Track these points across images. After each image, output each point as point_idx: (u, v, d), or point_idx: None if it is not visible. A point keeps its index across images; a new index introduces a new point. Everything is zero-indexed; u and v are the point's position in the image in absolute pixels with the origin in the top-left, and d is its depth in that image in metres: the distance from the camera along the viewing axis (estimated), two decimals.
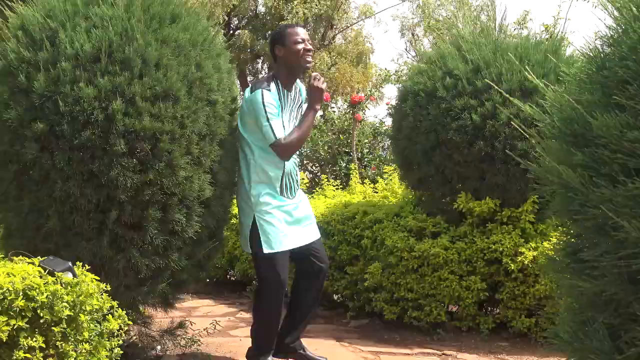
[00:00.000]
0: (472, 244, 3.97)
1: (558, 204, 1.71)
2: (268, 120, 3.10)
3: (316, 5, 15.25)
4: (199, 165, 2.95)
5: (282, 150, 3.14)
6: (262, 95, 3.11)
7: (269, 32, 16.49)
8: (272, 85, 3.19)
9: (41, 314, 2.02)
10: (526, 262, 3.79)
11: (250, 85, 3.30)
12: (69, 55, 2.73)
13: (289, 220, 3.23)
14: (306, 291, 3.37)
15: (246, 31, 16.63)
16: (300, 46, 3.20)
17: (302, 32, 3.24)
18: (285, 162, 3.22)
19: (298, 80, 3.40)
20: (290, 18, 15.35)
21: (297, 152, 3.36)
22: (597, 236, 1.57)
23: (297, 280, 3.43)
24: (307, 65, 3.25)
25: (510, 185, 3.88)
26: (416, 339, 4.01)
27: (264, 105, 3.10)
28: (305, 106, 3.33)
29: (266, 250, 3.14)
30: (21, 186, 2.83)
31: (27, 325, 2.00)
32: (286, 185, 3.25)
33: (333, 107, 9.88)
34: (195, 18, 3.10)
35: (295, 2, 15.00)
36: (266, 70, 18.06)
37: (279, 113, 3.17)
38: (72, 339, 2.09)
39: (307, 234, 3.32)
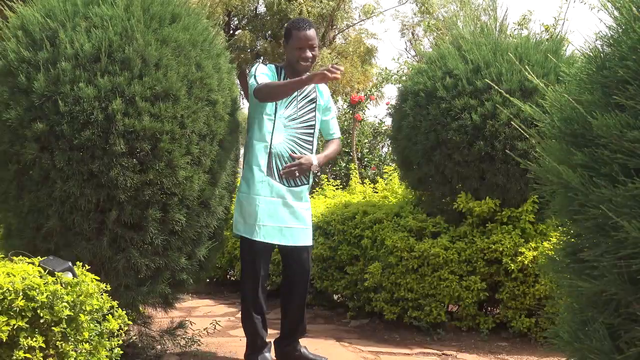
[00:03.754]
0: (472, 244, 3.97)
1: (558, 204, 1.71)
2: (255, 77, 3.20)
3: (318, 4, 15.25)
4: (199, 165, 2.96)
5: (257, 91, 3.16)
6: (256, 66, 3.28)
7: (269, 32, 16.51)
8: (272, 66, 3.33)
9: (41, 314, 2.02)
10: (526, 262, 3.79)
11: None
12: (68, 55, 2.74)
13: (274, 213, 3.19)
14: (290, 295, 3.37)
15: (246, 31, 16.63)
16: (299, 52, 3.24)
17: (305, 37, 3.24)
18: (273, 141, 3.21)
19: None
20: (293, 16, 15.33)
21: (297, 139, 3.30)
22: (597, 236, 1.57)
23: (282, 285, 3.44)
24: (302, 71, 3.26)
25: (510, 185, 3.88)
26: (416, 339, 4.01)
27: (255, 69, 3.24)
28: (317, 101, 3.41)
29: (240, 233, 3.23)
30: (21, 186, 2.83)
31: (27, 325, 2.00)
32: (277, 167, 3.23)
33: None
34: (195, 18, 3.10)
35: (301, 1, 14.98)
36: None
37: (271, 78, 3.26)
38: (72, 339, 2.09)
39: (294, 236, 3.25)
